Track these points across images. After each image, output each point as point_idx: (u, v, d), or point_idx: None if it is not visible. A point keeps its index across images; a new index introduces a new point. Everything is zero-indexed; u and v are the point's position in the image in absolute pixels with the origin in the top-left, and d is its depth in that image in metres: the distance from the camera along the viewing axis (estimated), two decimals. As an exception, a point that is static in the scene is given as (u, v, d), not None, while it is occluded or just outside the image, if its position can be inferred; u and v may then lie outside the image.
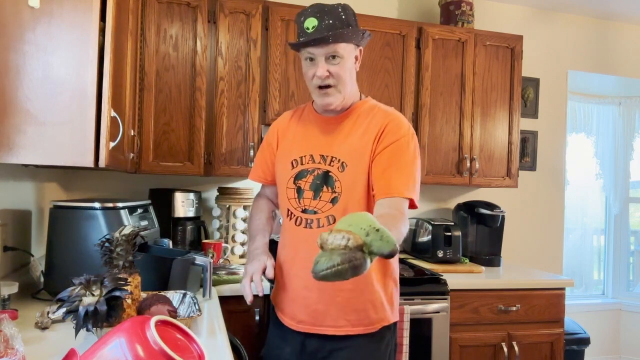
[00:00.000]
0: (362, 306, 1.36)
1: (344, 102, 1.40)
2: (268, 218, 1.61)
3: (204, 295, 1.69)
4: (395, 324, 1.46)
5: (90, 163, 1.24)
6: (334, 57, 1.33)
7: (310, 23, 1.32)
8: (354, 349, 1.37)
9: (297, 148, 1.45)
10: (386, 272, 1.42)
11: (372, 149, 1.35)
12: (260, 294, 1.35)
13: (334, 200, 1.36)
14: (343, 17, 1.32)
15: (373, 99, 1.50)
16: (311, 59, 1.35)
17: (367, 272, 1.28)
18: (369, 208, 1.35)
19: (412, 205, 1.35)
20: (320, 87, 1.36)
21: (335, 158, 1.38)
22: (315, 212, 1.38)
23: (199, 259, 1.66)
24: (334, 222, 1.35)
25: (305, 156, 1.42)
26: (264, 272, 1.38)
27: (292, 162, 1.44)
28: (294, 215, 1.42)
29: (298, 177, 1.42)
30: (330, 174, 1.37)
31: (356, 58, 1.40)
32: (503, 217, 2.72)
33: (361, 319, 1.36)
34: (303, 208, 1.40)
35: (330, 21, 1.31)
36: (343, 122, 1.41)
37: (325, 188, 1.37)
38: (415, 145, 1.38)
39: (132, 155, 1.86)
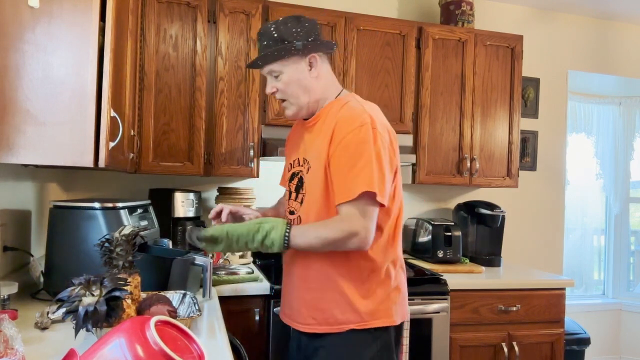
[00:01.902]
0: (327, 305, 1.37)
1: (307, 110, 1.44)
2: (280, 207, 1.73)
3: (204, 296, 1.69)
4: (383, 329, 1.39)
5: (90, 163, 1.24)
6: (275, 75, 1.41)
7: (258, 45, 1.44)
8: (327, 349, 1.38)
9: (292, 153, 1.54)
10: (360, 274, 1.37)
11: (327, 152, 1.35)
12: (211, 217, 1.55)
13: (302, 201, 1.43)
14: (275, 35, 1.37)
15: (353, 94, 1.48)
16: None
17: (332, 273, 1.35)
18: (328, 207, 1.35)
19: (372, 198, 1.29)
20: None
21: (307, 160, 1.44)
22: (293, 213, 1.47)
23: (199, 259, 1.66)
24: (300, 222, 1.42)
25: (295, 160, 1.51)
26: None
27: (288, 166, 1.54)
28: (287, 216, 1.51)
29: (290, 180, 1.51)
30: (302, 176, 1.45)
31: (310, 64, 1.41)
32: (503, 217, 2.71)
33: (326, 317, 1.37)
34: (289, 209, 1.50)
35: (265, 42, 1.39)
36: (315, 125, 1.45)
37: (300, 190, 1.45)
38: (363, 136, 1.30)
39: (132, 155, 1.86)
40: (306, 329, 1.41)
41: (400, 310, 1.44)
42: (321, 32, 1.46)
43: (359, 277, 1.37)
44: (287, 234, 1.30)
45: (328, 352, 1.37)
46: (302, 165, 1.45)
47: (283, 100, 1.45)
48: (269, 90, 1.44)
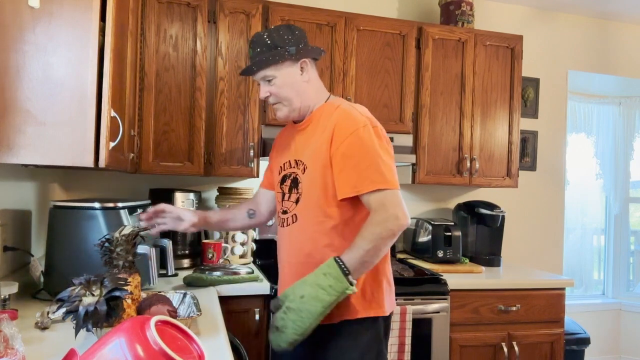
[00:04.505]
0: None
1: (299, 113, 1.51)
2: (231, 210, 1.79)
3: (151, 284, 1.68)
4: (373, 319, 1.43)
5: (90, 163, 1.24)
6: (269, 80, 1.47)
7: (250, 53, 1.51)
8: (322, 340, 1.42)
9: (283, 156, 1.58)
10: None
11: (328, 152, 1.41)
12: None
13: (297, 201, 1.47)
14: (268, 41, 1.45)
15: (341, 98, 1.55)
16: (259, 83, 1.53)
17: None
18: (327, 208, 1.41)
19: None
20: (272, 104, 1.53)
21: (301, 162, 1.48)
22: (286, 212, 1.51)
23: (141, 248, 1.55)
24: (296, 221, 1.47)
25: (286, 162, 1.55)
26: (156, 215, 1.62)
27: (279, 169, 1.58)
28: (279, 216, 1.56)
29: (282, 181, 1.55)
30: (297, 176, 1.49)
31: (302, 69, 1.48)
32: (503, 217, 2.72)
33: None
34: (282, 209, 1.53)
35: (258, 49, 1.46)
36: (308, 127, 1.51)
37: (294, 190, 1.49)
38: (368, 135, 1.38)
39: (132, 155, 1.86)
40: None
41: (390, 301, 1.49)
42: (308, 40, 1.54)
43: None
44: (342, 263, 1.29)
45: (323, 343, 1.42)
46: (295, 167, 1.50)
47: (274, 103, 1.51)
48: (262, 95, 1.50)
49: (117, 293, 1.08)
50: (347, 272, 1.27)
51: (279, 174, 1.56)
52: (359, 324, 1.40)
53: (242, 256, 2.43)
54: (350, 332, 1.40)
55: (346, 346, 1.40)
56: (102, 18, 1.26)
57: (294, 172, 1.50)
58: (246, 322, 1.98)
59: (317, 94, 1.53)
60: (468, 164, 2.65)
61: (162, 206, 1.62)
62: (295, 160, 1.50)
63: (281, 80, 1.46)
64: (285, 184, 1.53)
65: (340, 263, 1.28)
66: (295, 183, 1.48)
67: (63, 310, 1.07)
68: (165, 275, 1.87)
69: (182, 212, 1.64)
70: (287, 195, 1.51)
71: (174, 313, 1.24)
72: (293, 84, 1.48)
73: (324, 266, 1.30)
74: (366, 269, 1.33)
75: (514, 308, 2.30)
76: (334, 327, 1.39)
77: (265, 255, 2.46)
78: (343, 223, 1.41)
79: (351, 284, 1.27)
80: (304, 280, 1.30)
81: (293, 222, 1.47)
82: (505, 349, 2.27)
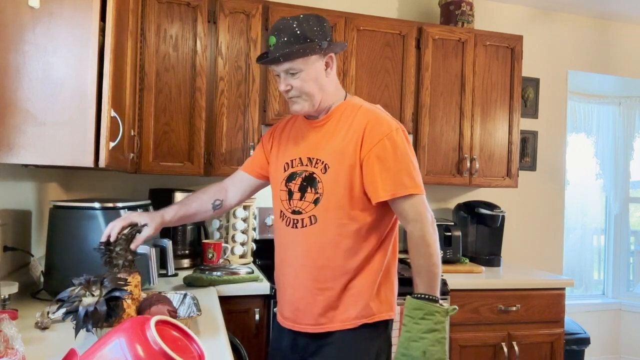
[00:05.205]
0: (341, 303, 1.39)
1: (317, 108, 1.44)
2: (192, 204, 1.59)
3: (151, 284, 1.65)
4: (385, 322, 1.44)
5: (90, 163, 1.24)
6: (293, 73, 1.38)
7: (271, 41, 1.38)
8: (336, 345, 1.39)
9: (290, 152, 1.50)
10: (376, 272, 1.42)
11: (357, 153, 1.37)
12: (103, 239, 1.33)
13: (316, 201, 1.40)
14: (298, 32, 1.35)
15: (359, 97, 1.53)
16: (277, 74, 1.43)
17: (347, 273, 1.38)
18: (350, 210, 1.38)
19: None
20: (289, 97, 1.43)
21: (320, 160, 1.41)
22: (300, 212, 1.42)
23: (142, 247, 1.50)
24: (315, 222, 1.39)
25: (295, 159, 1.47)
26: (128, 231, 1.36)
27: (284, 166, 1.49)
28: (285, 216, 1.46)
29: (289, 179, 1.46)
30: (314, 175, 1.41)
31: (327, 64, 1.42)
32: (503, 217, 2.72)
33: (338, 314, 1.39)
34: (292, 209, 1.44)
35: (285, 38, 1.35)
36: (326, 124, 1.45)
37: (309, 189, 1.41)
38: (400, 138, 1.38)
39: (132, 155, 1.86)
40: (316, 329, 1.40)
41: (395, 301, 1.49)
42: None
43: (375, 275, 1.41)
44: (423, 296, 1.29)
45: (337, 348, 1.38)
46: (309, 165, 1.42)
47: (293, 97, 1.42)
48: (283, 87, 1.41)
49: (117, 293, 1.08)
50: (434, 298, 1.29)
51: (284, 170, 1.48)
52: (375, 327, 1.40)
53: (242, 256, 2.43)
54: (367, 334, 1.39)
55: (363, 349, 1.39)
56: (102, 18, 1.26)
57: (307, 171, 1.42)
58: (246, 322, 1.99)
59: (336, 90, 1.48)
60: (468, 164, 2.65)
61: (116, 229, 1.34)
62: (309, 157, 1.43)
63: (307, 74, 1.38)
64: (293, 181, 1.44)
65: (423, 296, 1.29)
66: (311, 182, 1.41)
67: (63, 310, 1.07)
68: (165, 275, 1.87)
69: (134, 218, 1.41)
70: (298, 195, 1.43)
71: (174, 313, 1.24)
72: (317, 79, 1.40)
73: (413, 312, 1.27)
74: (440, 277, 1.33)
75: (513, 308, 2.30)
76: (354, 331, 1.38)
77: (265, 255, 2.46)
78: (367, 226, 1.39)
79: (442, 305, 1.28)
80: (407, 338, 1.26)
81: (311, 224, 1.39)
82: (505, 349, 2.27)
